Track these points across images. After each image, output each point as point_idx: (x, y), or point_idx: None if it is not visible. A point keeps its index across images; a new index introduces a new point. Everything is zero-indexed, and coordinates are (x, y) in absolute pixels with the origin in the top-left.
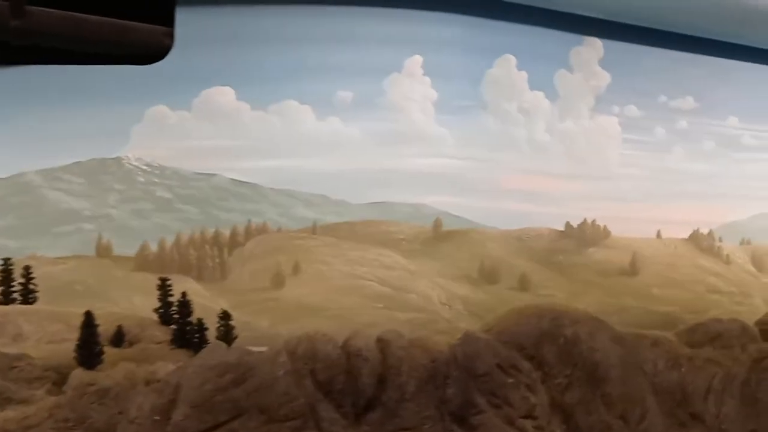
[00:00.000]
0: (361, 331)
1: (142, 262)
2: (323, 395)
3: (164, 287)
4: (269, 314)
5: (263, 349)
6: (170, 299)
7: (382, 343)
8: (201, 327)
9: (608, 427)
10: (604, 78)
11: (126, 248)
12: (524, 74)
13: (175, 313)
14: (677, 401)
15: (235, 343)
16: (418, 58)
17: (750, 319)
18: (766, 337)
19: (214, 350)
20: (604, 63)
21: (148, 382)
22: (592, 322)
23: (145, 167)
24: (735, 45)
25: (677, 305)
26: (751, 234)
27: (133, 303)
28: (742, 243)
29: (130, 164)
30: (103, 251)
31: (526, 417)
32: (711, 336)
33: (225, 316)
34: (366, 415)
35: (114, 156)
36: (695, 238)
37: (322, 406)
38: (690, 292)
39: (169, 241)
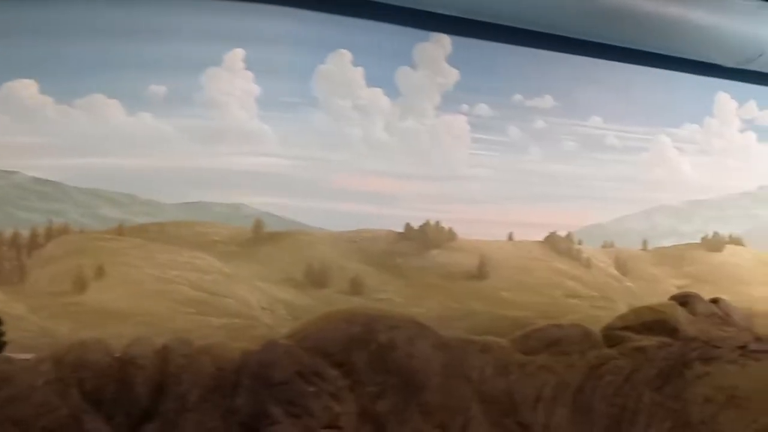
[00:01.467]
0: (144, 338)
1: None
2: (91, 406)
3: None
4: (70, 320)
5: (28, 356)
6: None
7: (164, 350)
8: None
9: None
10: (452, 75)
11: None
12: (361, 70)
13: None
14: (505, 410)
15: (29, 350)
16: (239, 52)
17: None
18: (611, 342)
19: None
20: (452, 60)
21: None
22: (412, 327)
23: None
24: (598, 44)
25: (530, 310)
26: (615, 237)
27: None
28: (604, 246)
29: None
30: None
31: (329, 427)
32: (548, 342)
33: None
34: (142, 427)
35: None
36: (552, 241)
37: (89, 417)
38: (545, 296)
39: None
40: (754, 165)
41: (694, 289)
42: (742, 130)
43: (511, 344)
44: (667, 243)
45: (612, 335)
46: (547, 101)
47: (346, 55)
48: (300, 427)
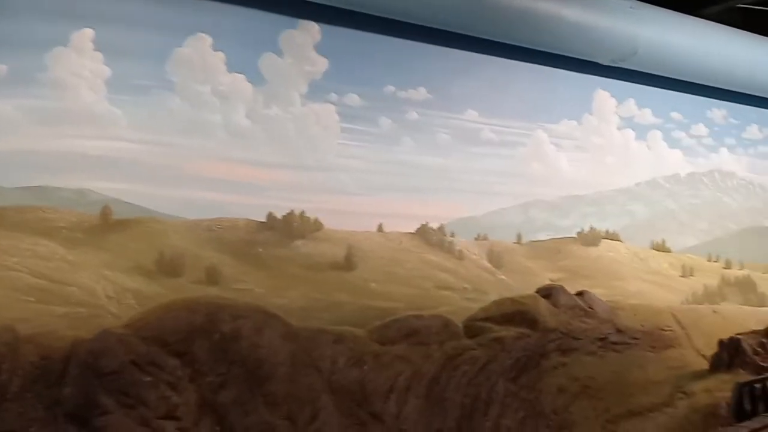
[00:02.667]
0: None
1: None
2: None
3: None
4: None
5: None
6: None
7: None
8: None
9: (272, 428)
10: (321, 64)
11: None
12: (222, 55)
13: None
14: (357, 400)
15: None
16: (88, 32)
17: None
18: (472, 333)
19: None
20: (321, 48)
21: None
22: (260, 317)
23: None
24: (474, 38)
25: (400, 301)
26: (489, 230)
27: None
28: (477, 239)
29: None
30: None
31: (165, 417)
32: (407, 332)
33: None
34: None
35: None
36: (424, 233)
37: None
38: (416, 288)
39: None
40: (631, 162)
41: (569, 283)
42: (620, 128)
43: (368, 334)
44: (543, 237)
45: (473, 326)
46: (421, 93)
47: (205, 39)
48: (134, 417)
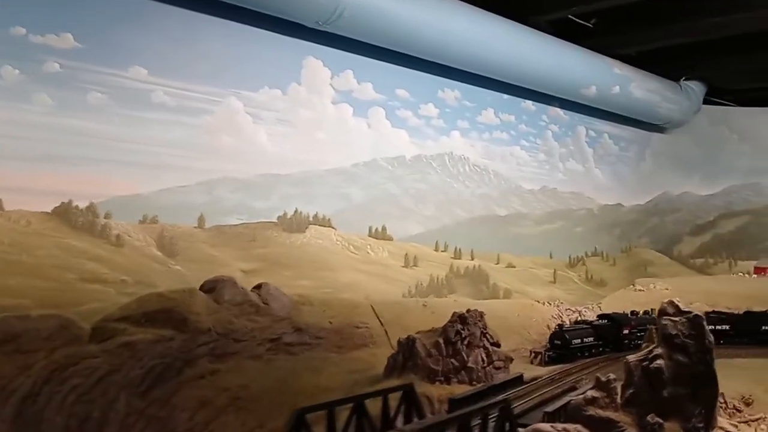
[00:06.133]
0: None
1: None
2: None
3: None
4: None
5: None
6: None
7: None
8: None
9: None
10: None
11: None
12: None
13: None
14: None
15: None
16: None
17: None
18: (103, 336)
19: None
20: None
21: None
22: None
23: None
24: None
25: (27, 297)
26: (159, 211)
27: None
28: (144, 221)
29: None
30: None
31: None
32: (1, 338)
33: None
34: None
35: None
36: (65, 213)
37: None
38: (51, 280)
39: None
40: (349, 140)
41: (266, 274)
42: (336, 102)
43: None
44: (234, 221)
45: (104, 328)
46: (67, 41)
47: None
48: None
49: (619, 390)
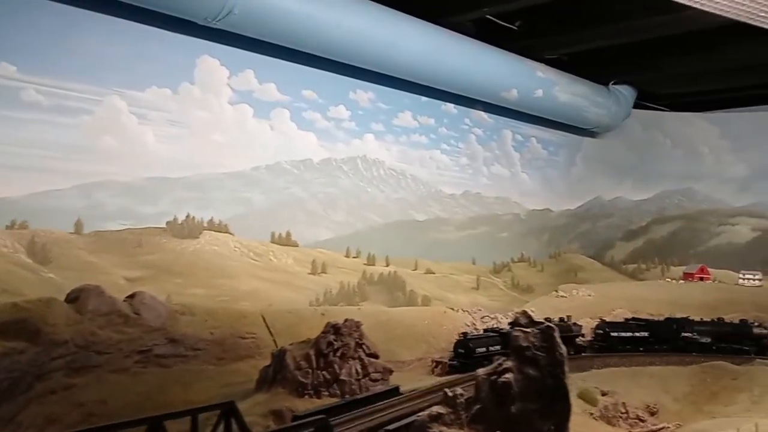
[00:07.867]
0: None
1: None
2: None
3: None
4: None
5: None
6: None
7: None
8: None
9: None
10: None
11: None
12: None
13: None
14: None
15: None
16: None
17: None
18: None
19: None
20: None
21: None
22: None
23: None
24: None
25: None
26: (30, 216)
27: None
28: (12, 227)
29: None
30: None
31: None
32: None
33: None
34: None
35: None
36: None
37: None
38: None
39: None
40: (249, 143)
41: (154, 282)
42: (234, 103)
43: None
44: (116, 227)
45: None
46: None
47: None
48: None
49: (465, 406)
